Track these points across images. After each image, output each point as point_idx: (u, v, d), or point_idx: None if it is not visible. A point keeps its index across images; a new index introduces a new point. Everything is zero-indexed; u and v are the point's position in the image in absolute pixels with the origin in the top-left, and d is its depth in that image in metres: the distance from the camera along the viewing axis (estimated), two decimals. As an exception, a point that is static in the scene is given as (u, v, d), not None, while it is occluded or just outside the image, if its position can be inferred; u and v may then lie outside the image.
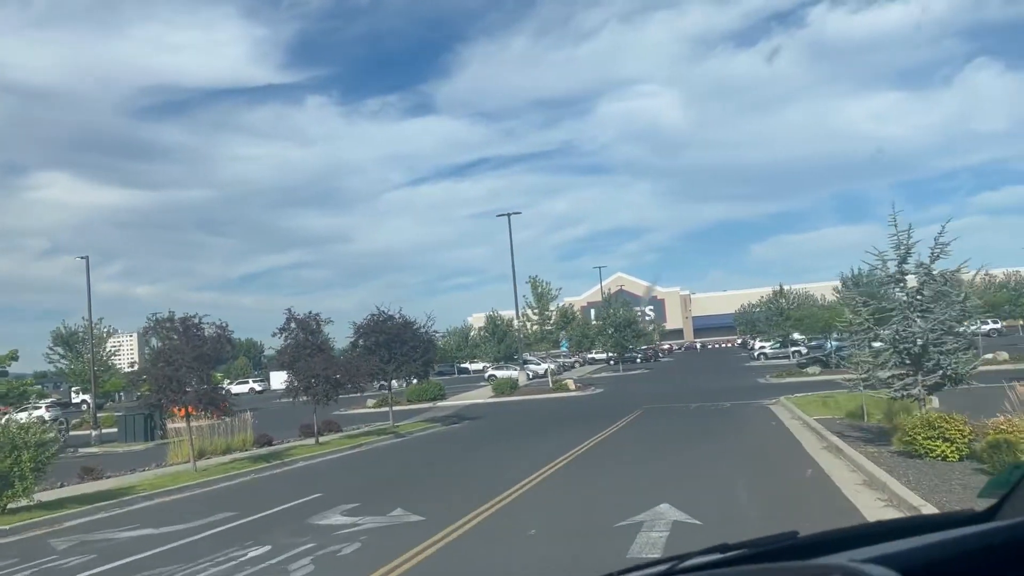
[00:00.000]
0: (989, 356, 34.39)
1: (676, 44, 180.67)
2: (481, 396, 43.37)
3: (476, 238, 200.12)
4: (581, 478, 13.50)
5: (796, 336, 65.56)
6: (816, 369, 37.52)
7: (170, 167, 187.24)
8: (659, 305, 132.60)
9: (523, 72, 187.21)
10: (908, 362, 12.53)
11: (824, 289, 77.13)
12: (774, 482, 11.89)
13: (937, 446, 11.78)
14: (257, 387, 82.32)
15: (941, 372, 12.31)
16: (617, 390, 40.66)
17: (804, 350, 68.33)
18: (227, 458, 22.36)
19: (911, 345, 12.27)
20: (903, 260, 12.83)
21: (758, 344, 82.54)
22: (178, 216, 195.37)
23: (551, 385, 43.23)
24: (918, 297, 12.64)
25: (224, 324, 19.93)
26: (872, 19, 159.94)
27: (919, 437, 11.94)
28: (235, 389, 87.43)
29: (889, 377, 12.93)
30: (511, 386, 42.94)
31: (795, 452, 15.01)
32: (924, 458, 11.85)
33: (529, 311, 48.25)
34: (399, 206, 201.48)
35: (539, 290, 46.18)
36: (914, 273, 12.75)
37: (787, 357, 64.36)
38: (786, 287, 65.76)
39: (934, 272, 12.60)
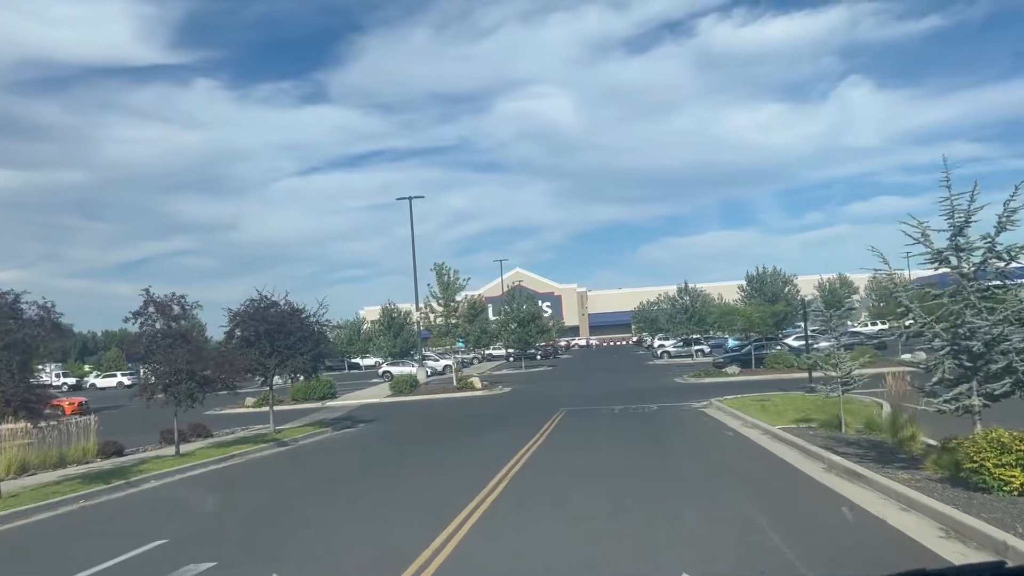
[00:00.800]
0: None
1: (572, 47, 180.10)
2: (377, 395, 39.11)
3: (370, 230, 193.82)
4: (536, 521, 9.87)
5: (696, 336, 64.69)
6: (735, 369, 35.45)
7: (46, 146, 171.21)
8: (556, 302, 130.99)
9: (421, 65, 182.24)
10: (968, 365, 9.52)
11: (721, 289, 76.66)
12: (814, 530, 8.62)
13: (1015, 476, 8.87)
14: (127, 381, 74.46)
15: (1014, 378, 9.34)
16: (527, 389, 37.43)
17: (707, 349, 67.74)
18: (55, 475, 17.53)
19: (972, 343, 9.25)
20: (959, 232, 9.82)
21: (657, 342, 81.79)
22: (53, 198, 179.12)
23: (455, 384, 39.47)
24: (976, 283, 9.66)
25: (50, 304, 15.22)
26: (757, 33, 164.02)
27: (988, 463, 8.99)
28: (101, 383, 79.43)
29: (936, 384, 9.91)
30: (411, 384, 38.89)
31: (793, 477, 11.92)
32: (994, 492, 8.93)
33: (434, 302, 44.21)
34: (290, 195, 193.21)
35: (446, 278, 42.29)
36: (971, 249, 9.77)
37: (690, 356, 63.28)
38: (691, 285, 64.24)
39: (999, 248, 9.65)
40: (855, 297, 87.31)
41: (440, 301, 43.70)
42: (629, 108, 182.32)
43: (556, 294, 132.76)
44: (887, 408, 16.56)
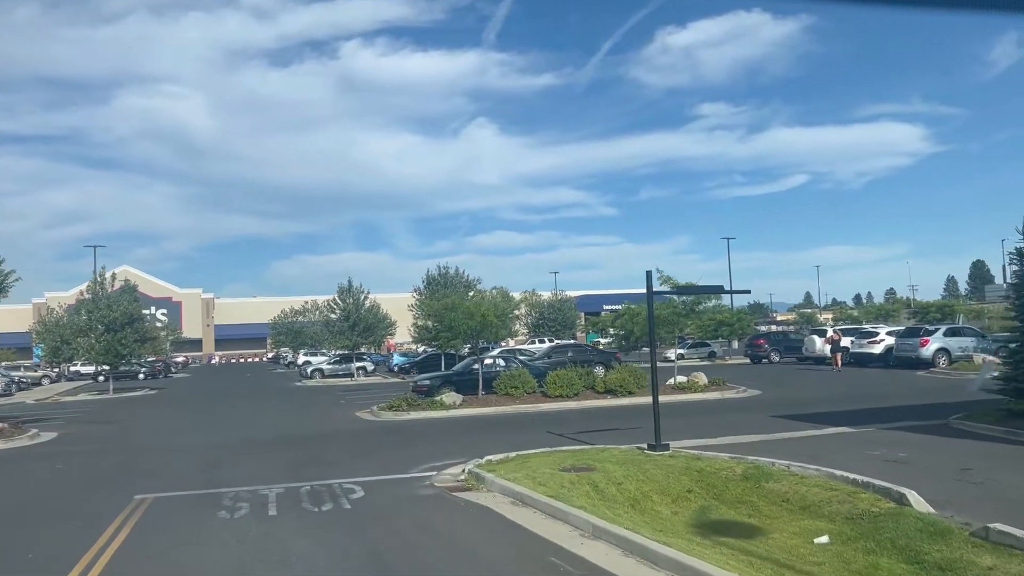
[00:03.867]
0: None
1: (209, 50, 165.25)
2: None
3: None
4: None
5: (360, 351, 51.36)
6: (455, 398, 22.75)
7: None
8: (175, 309, 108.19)
9: (26, 43, 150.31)
10: None
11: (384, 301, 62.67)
12: None
13: None
14: None
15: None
16: (95, 434, 20.86)
17: (369, 366, 54.66)
18: None
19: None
20: None
21: (303, 358, 66.68)
22: None
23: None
24: None
25: None
26: (397, 64, 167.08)
27: None
28: None
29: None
30: None
31: None
32: None
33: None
34: None
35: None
36: None
37: (350, 375, 49.67)
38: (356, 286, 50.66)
39: None
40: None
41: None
42: (267, 120, 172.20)
43: (175, 300, 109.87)
44: None
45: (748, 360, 41.75)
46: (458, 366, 26.87)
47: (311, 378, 50.11)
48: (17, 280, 21.14)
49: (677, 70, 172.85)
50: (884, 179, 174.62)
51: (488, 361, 26.27)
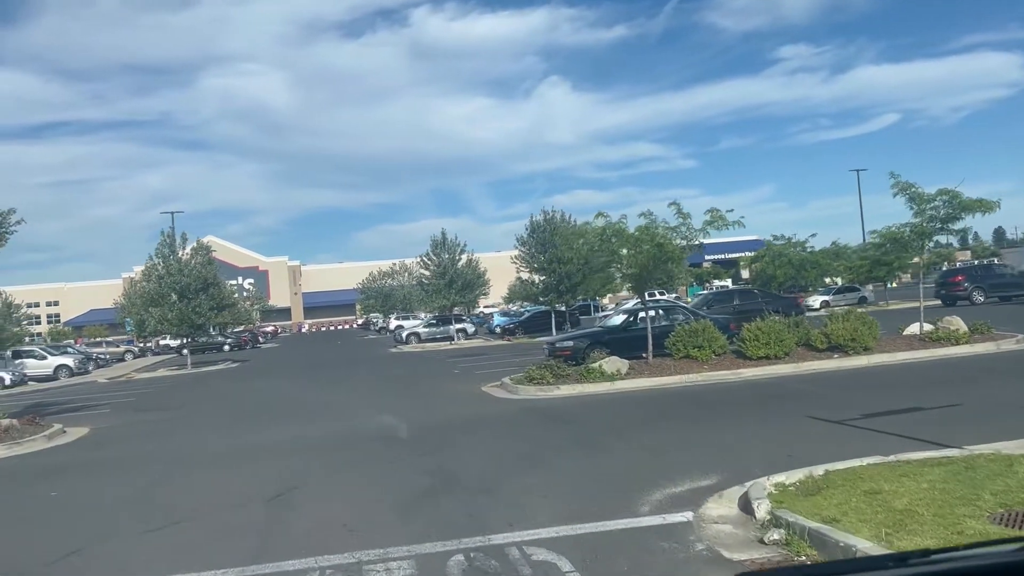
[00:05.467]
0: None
1: (283, 25, 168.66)
2: None
3: (52, 211, 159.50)
4: None
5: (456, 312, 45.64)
6: (617, 364, 16.21)
7: None
8: (261, 278, 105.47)
9: (112, 32, 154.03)
10: None
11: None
12: None
13: None
14: None
15: None
16: (129, 431, 15.41)
17: (470, 327, 48.91)
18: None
19: None
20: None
21: (395, 322, 61.70)
22: None
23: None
24: None
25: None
26: (466, 28, 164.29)
27: None
28: None
29: None
30: None
31: None
32: None
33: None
34: None
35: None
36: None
37: (449, 339, 44.07)
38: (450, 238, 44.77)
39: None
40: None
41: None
42: (343, 92, 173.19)
43: (261, 268, 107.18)
44: None
45: (939, 302, 33.80)
46: (614, 320, 20.36)
47: (406, 343, 44.77)
48: (19, 223, 15.74)
49: (754, 13, 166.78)
50: (982, 112, 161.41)
51: (642, 315, 19.77)
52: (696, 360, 16.63)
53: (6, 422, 13.95)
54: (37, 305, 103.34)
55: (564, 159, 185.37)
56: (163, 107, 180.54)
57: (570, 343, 18.81)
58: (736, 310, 23.35)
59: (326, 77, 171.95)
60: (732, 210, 14.94)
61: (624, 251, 15.36)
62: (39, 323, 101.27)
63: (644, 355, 17.22)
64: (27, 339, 70.65)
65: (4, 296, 61.75)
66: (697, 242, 15.61)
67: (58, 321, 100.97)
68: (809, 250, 46.16)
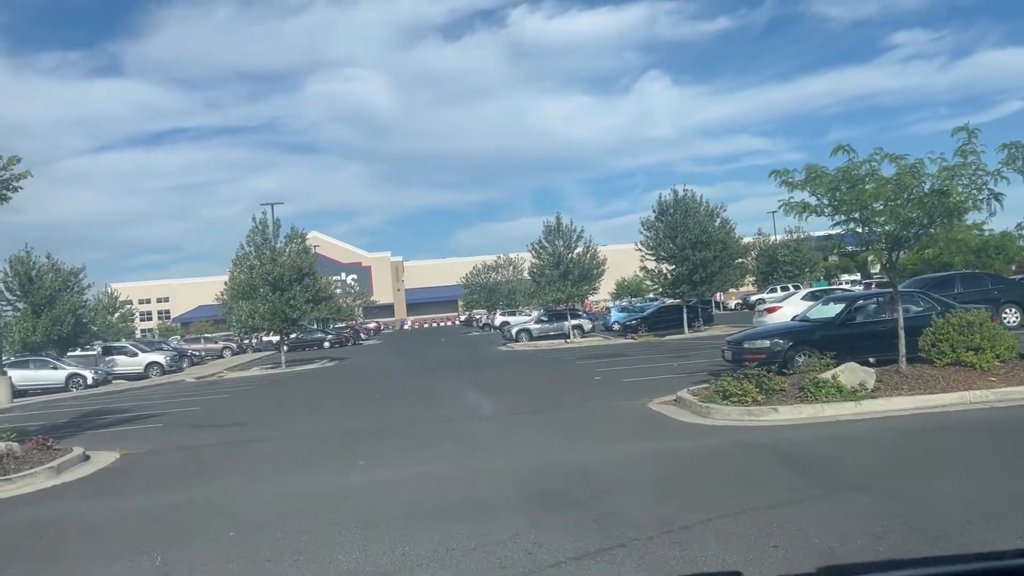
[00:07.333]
0: None
1: (386, 30, 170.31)
2: None
3: (172, 213, 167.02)
4: None
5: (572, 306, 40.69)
6: (862, 376, 10.90)
7: None
8: (364, 274, 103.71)
9: (225, 41, 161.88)
10: None
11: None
12: None
13: None
14: None
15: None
16: (170, 459, 11.30)
17: (587, 323, 43.80)
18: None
19: None
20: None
21: (500, 318, 57.35)
22: None
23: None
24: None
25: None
26: (564, 26, 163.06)
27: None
28: None
29: None
30: None
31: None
32: None
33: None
34: (78, 174, 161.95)
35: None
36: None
37: (564, 337, 39.22)
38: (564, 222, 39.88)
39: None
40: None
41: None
42: (444, 93, 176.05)
43: (364, 265, 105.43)
44: None
45: None
46: (822, 311, 14.90)
47: (517, 340, 40.29)
48: (24, 176, 11.91)
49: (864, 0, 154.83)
50: None
51: (864, 304, 14.34)
52: (972, 368, 11.20)
53: (2, 447, 10.04)
54: (148, 302, 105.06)
55: (664, 154, 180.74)
56: (273, 112, 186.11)
57: (765, 343, 13.57)
58: (960, 300, 17.51)
59: (427, 79, 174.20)
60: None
61: (877, 204, 10.07)
62: (150, 319, 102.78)
63: (873, 360, 11.92)
64: (135, 334, 70.61)
65: (109, 290, 61.25)
66: (986, 192, 10.17)
67: (168, 317, 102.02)
68: (989, 232, 39.13)
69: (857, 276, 74.06)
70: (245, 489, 8.86)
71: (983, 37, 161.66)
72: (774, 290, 57.95)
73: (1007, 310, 19.38)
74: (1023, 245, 41.28)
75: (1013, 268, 37.98)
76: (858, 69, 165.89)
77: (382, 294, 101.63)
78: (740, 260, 44.17)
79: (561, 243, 38.56)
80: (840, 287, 42.60)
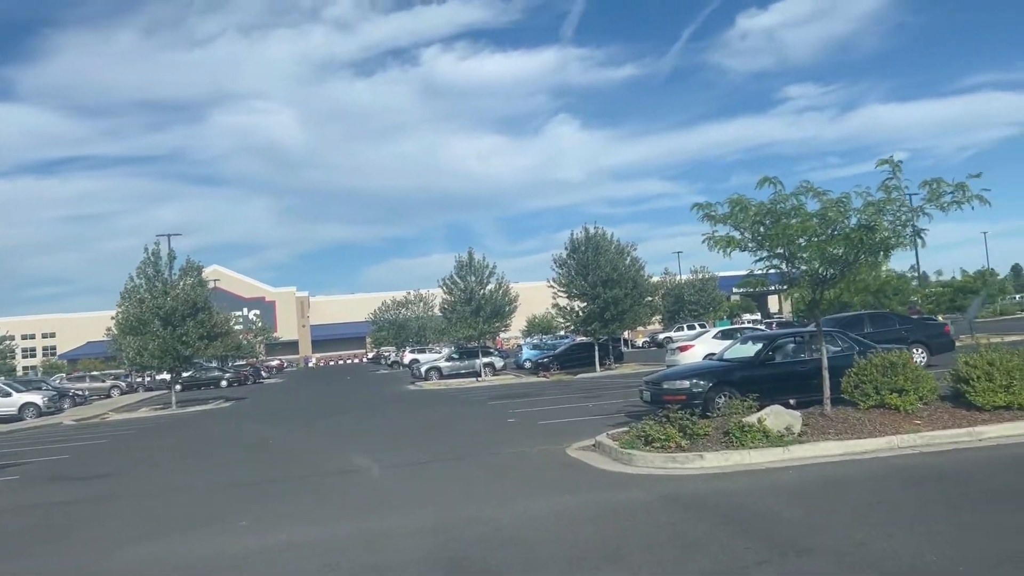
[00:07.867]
0: None
1: (296, 64, 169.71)
2: None
3: (65, 244, 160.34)
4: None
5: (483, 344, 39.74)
6: (788, 420, 10.37)
7: None
8: (268, 309, 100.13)
9: (128, 70, 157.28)
10: None
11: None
12: None
13: None
14: None
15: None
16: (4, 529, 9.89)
17: (498, 361, 42.81)
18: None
19: None
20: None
21: (409, 356, 55.78)
22: None
23: None
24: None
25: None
26: (477, 67, 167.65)
27: None
28: None
29: None
30: None
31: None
32: None
33: None
34: None
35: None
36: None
37: (475, 375, 38.23)
38: (477, 258, 39.09)
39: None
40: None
41: None
42: (355, 129, 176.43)
43: (268, 299, 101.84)
44: None
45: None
46: (740, 351, 14.49)
47: (426, 379, 39.01)
48: None
49: (760, 53, 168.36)
50: (988, 152, 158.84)
51: (790, 345, 14.00)
52: (896, 411, 10.88)
53: None
54: (32, 337, 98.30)
55: (574, 195, 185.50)
56: (177, 143, 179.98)
57: (686, 383, 13.00)
58: (871, 340, 17.55)
59: (338, 114, 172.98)
60: (980, 174, 9.28)
61: (800, 240, 9.64)
62: (34, 355, 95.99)
63: (793, 402, 11.52)
64: (16, 371, 65.30)
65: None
66: (910, 228, 9.92)
67: (54, 354, 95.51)
68: (885, 275, 40.59)
69: (758, 316, 76.06)
70: (101, 559, 7.51)
71: (869, 92, 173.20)
72: (680, 328, 58.70)
73: (915, 350, 19.56)
74: (916, 287, 43.15)
75: (907, 309, 39.34)
76: (756, 119, 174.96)
77: (286, 330, 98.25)
78: (650, 298, 44.25)
79: (473, 279, 37.76)
80: (745, 325, 43.22)
